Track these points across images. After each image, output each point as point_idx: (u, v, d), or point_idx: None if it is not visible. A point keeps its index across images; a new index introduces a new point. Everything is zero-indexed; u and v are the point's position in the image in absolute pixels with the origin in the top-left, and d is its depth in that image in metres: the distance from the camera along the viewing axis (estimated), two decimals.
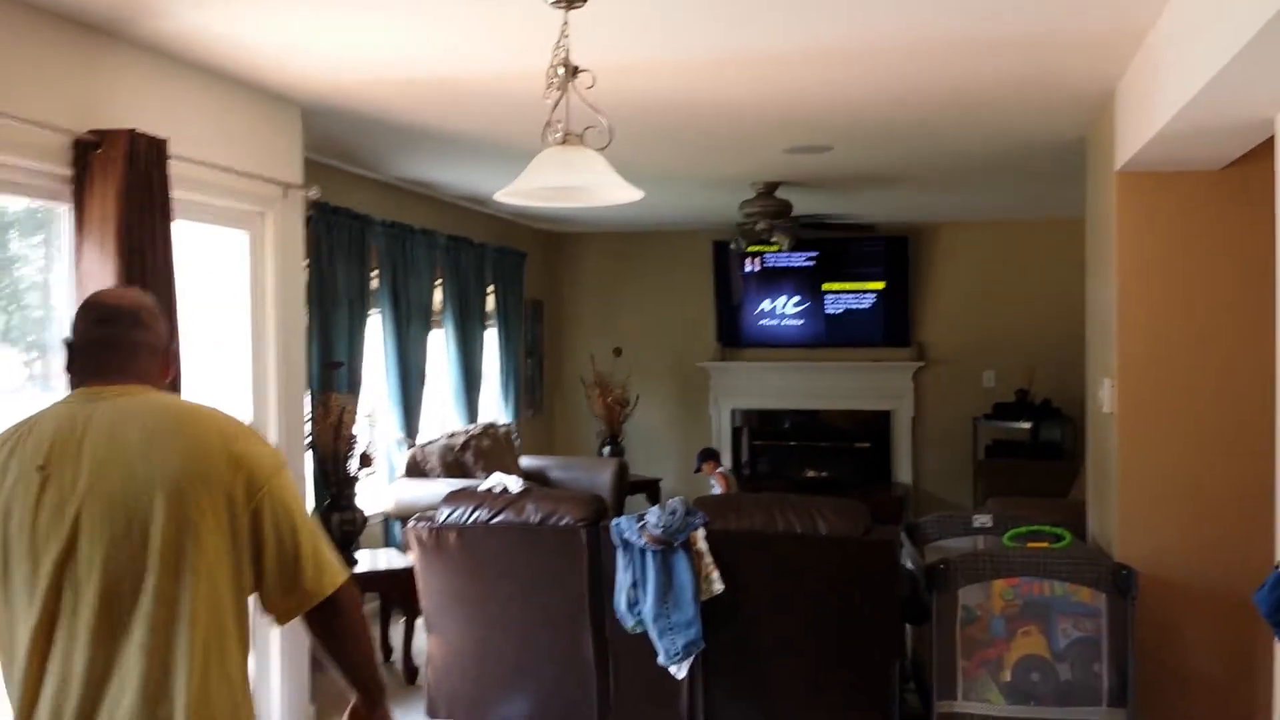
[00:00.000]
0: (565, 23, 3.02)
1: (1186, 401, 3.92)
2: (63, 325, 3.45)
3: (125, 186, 3.29)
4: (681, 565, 3.80)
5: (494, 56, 3.69)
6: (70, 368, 1.83)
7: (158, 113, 3.62)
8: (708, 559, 3.82)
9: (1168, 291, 3.95)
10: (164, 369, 1.88)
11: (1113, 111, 4.03)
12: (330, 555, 1.81)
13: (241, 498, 1.70)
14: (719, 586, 3.81)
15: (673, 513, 3.83)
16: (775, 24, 3.31)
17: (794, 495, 3.99)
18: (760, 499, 3.99)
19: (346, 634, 1.85)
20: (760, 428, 9.19)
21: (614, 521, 3.94)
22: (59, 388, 3.43)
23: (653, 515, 3.86)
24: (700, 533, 3.84)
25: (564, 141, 3.03)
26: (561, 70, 3.01)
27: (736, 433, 9.13)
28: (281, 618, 1.79)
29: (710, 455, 7.60)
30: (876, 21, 3.27)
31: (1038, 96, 4.19)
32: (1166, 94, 3.05)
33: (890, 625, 3.81)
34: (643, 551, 3.83)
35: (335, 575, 1.80)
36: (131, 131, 3.33)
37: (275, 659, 4.18)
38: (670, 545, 3.81)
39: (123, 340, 1.81)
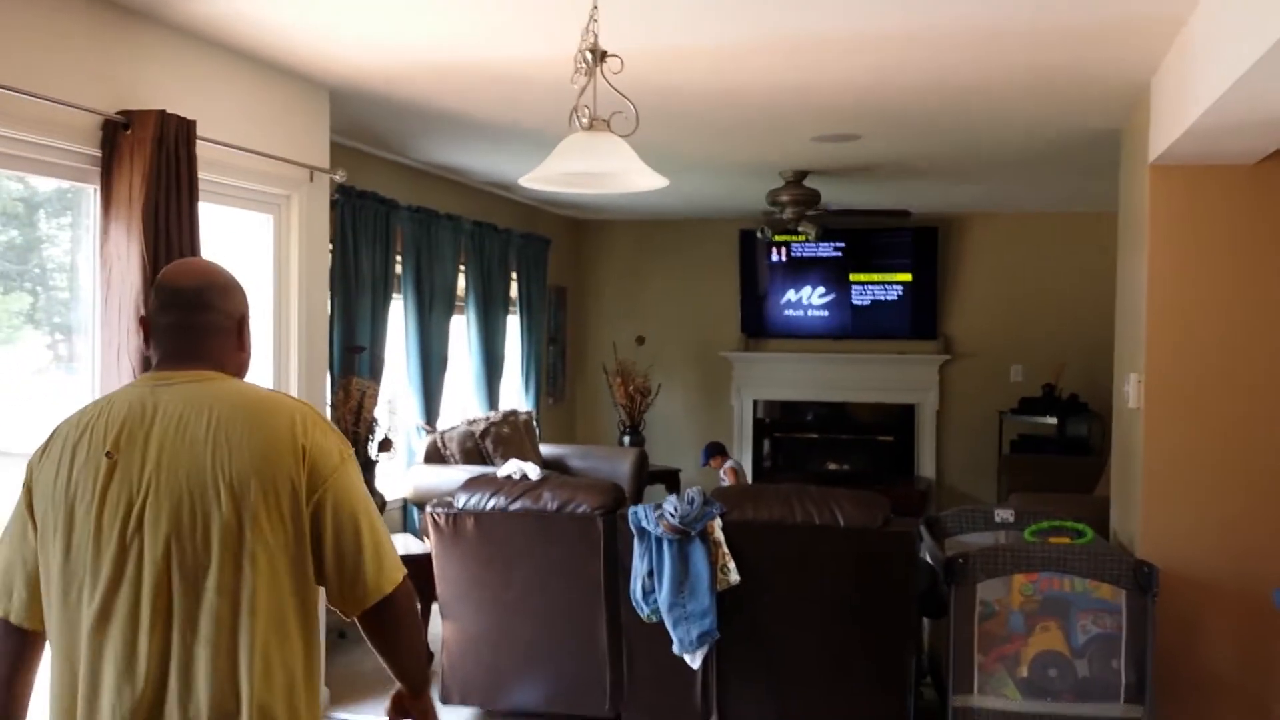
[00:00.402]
0: (594, 7, 3.00)
1: (1214, 398, 3.88)
2: (88, 306, 3.48)
3: (153, 168, 3.30)
4: (698, 555, 3.79)
5: (521, 41, 3.68)
6: (147, 347, 1.84)
7: (186, 95, 3.64)
8: (724, 549, 3.81)
9: (1198, 287, 3.91)
10: (237, 345, 1.85)
11: (1147, 104, 3.98)
12: (390, 552, 1.78)
13: (305, 491, 1.68)
14: (735, 577, 3.80)
15: (690, 502, 3.83)
16: (803, 10, 3.29)
17: (813, 486, 3.97)
18: (779, 489, 3.98)
19: (400, 632, 1.81)
20: (783, 419, 9.16)
21: (631, 510, 3.94)
22: (84, 370, 3.48)
23: (670, 504, 3.86)
24: (717, 523, 3.83)
25: (590, 127, 3.02)
26: (589, 55, 3.00)
27: (759, 424, 9.10)
28: (346, 611, 1.77)
29: (718, 449, 7.57)
30: (907, 8, 3.23)
31: (1072, 88, 4.14)
32: (1201, 87, 3.01)
33: (907, 618, 3.80)
34: (659, 540, 3.83)
35: (394, 573, 1.77)
36: (161, 112, 3.34)
37: None
38: (687, 535, 3.80)
39: (191, 324, 1.79)
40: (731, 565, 3.82)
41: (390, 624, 1.79)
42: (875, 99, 4.44)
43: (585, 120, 3.01)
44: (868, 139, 5.29)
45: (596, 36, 2.99)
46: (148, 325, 1.83)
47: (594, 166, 3.01)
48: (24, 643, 1.79)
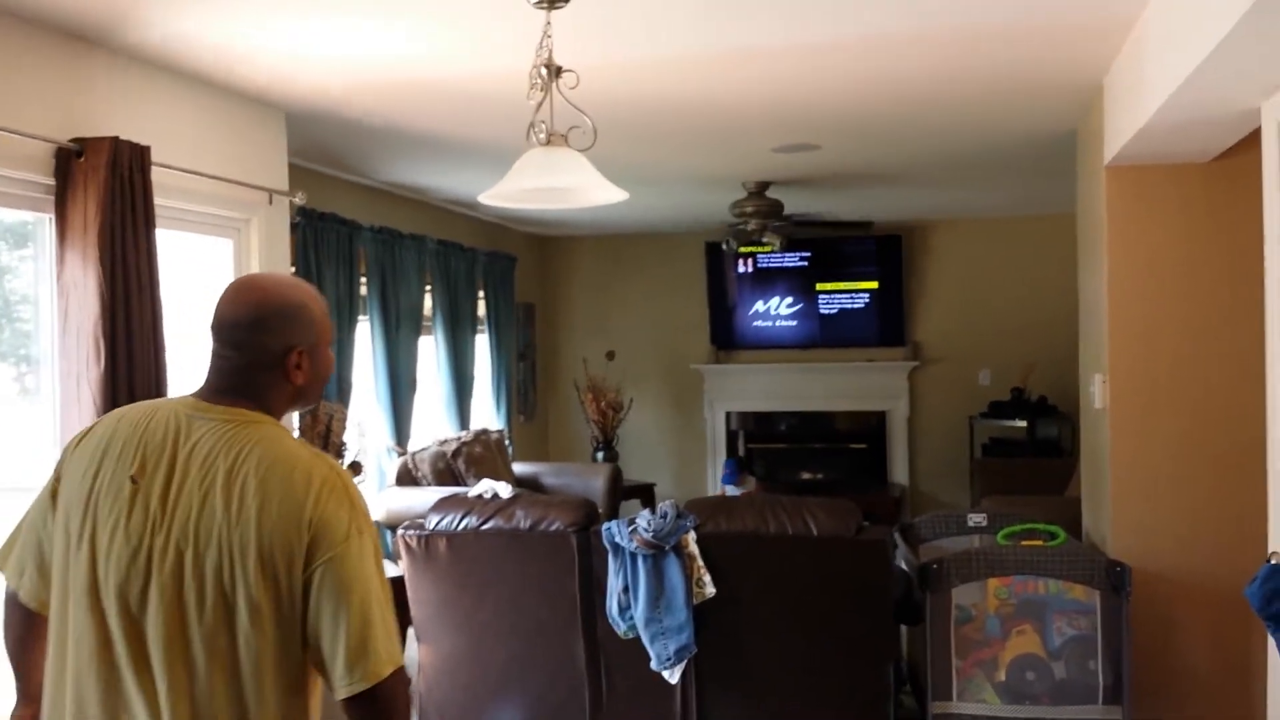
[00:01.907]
0: (548, 23, 3.01)
1: (1178, 396, 3.91)
2: (49, 338, 3.42)
3: (107, 195, 3.27)
4: (673, 569, 3.77)
5: (477, 58, 3.67)
6: None
7: (141, 120, 3.61)
8: (699, 562, 3.79)
9: (1158, 285, 3.94)
10: (284, 377, 1.76)
11: (1101, 104, 4.01)
12: (381, 645, 1.64)
13: (300, 562, 1.61)
14: (711, 590, 3.78)
15: (663, 516, 3.80)
16: (758, 21, 3.30)
17: (785, 496, 3.96)
18: (752, 500, 3.96)
19: None
20: (755, 430, 9.16)
21: (605, 526, 3.91)
22: (45, 400, 3.43)
23: (643, 519, 3.83)
24: (691, 535, 3.81)
25: (548, 142, 3.01)
26: (544, 70, 3.00)
27: (731, 435, 9.09)
28: (335, 694, 1.66)
29: (743, 465, 7.55)
30: (859, 17, 3.25)
31: (1026, 90, 4.17)
32: (1153, 85, 3.03)
33: (884, 626, 3.78)
34: (634, 555, 3.80)
35: (379, 665, 1.63)
36: (114, 139, 3.31)
37: None
38: (661, 549, 3.77)
39: (231, 361, 1.74)
40: (707, 578, 3.80)
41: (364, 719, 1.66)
42: (832, 109, 4.46)
43: (543, 136, 3.00)
44: (827, 149, 5.31)
45: (551, 52, 2.99)
46: None
47: (553, 182, 3.01)
48: (32, 620, 1.80)
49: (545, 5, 3.00)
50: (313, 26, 3.33)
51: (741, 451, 9.07)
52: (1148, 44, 3.14)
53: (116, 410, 1.80)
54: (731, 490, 7.26)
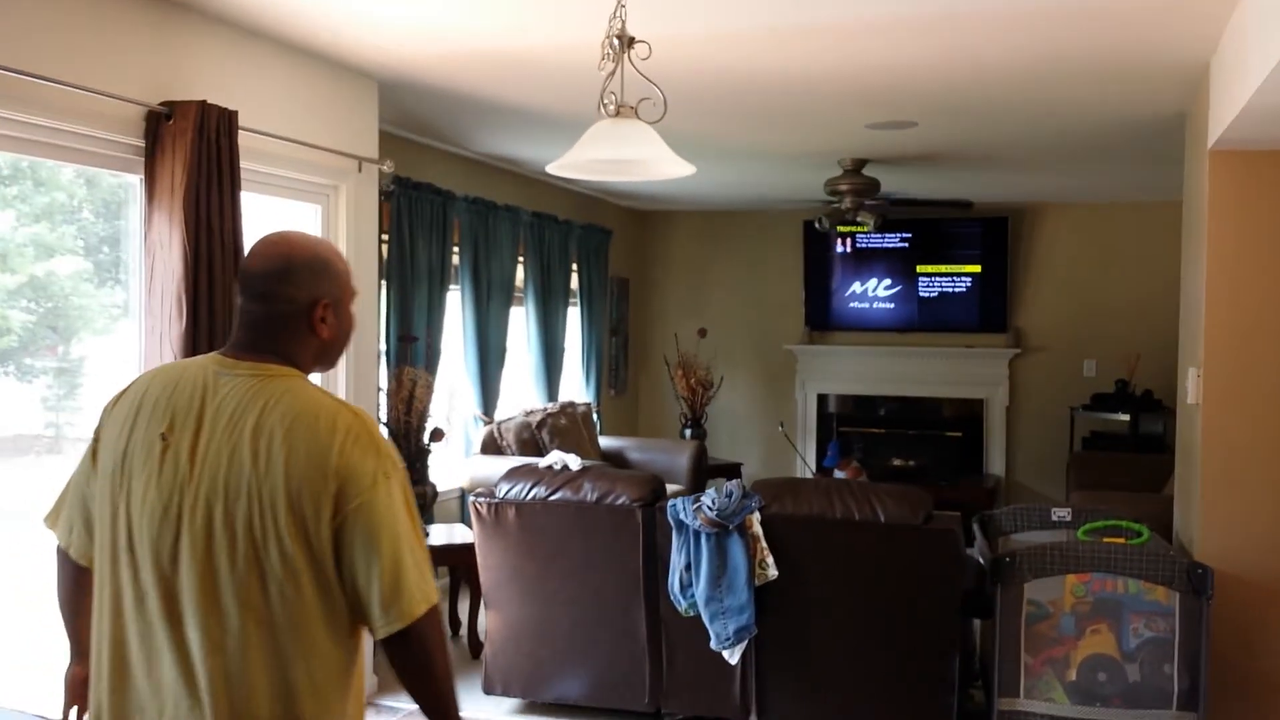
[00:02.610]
0: None
1: (1274, 394, 3.71)
2: (136, 297, 3.55)
3: (194, 157, 3.36)
4: (736, 549, 3.74)
5: (557, 28, 3.66)
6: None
7: (231, 86, 3.69)
8: (763, 543, 3.76)
9: (1260, 277, 3.74)
10: (310, 330, 1.78)
11: (1207, 86, 3.82)
12: (415, 583, 1.67)
13: (328, 510, 1.64)
14: (773, 572, 3.75)
15: (728, 495, 3.78)
16: None
17: (855, 481, 3.89)
18: (819, 484, 3.91)
19: (419, 669, 1.71)
20: (848, 413, 9.01)
21: (670, 502, 3.91)
22: (132, 357, 3.55)
23: (708, 497, 3.81)
24: (756, 516, 3.78)
25: (617, 114, 2.99)
26: (616, 41, 2.98)
27: (823, 418, 8.98)
28: (374, 635, 1.70)
29: (846, 450, 7.45)
30: None
31: (1130, 70, 3.99)
32: (1251, 66, 2.87)
33: (949, 617, 3.70)
34: (697, 534, 3.79)
35: (412, 605, 1.66)
36: (202, 103, 3.39)
37: None
38: (725, 528, 3.75)
39: (259, 312, 1.76)
40: (770, 560, 3.76)
41: (405, 658, 1.70)
42: (928, 84, 4.33)
43: (612, 108, 2.99)
44: (924, 126, 5.17)
45: (625, 22, 2.97)
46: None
47: (620, 153, 2.99)
48: (82, 577, 1.87)
49: None
50: None
51: (834, 435, 8.94)
52: (1248, 23, 2.97)
53: (150, 370, 1.85)
54: (839, 474, 7.15)
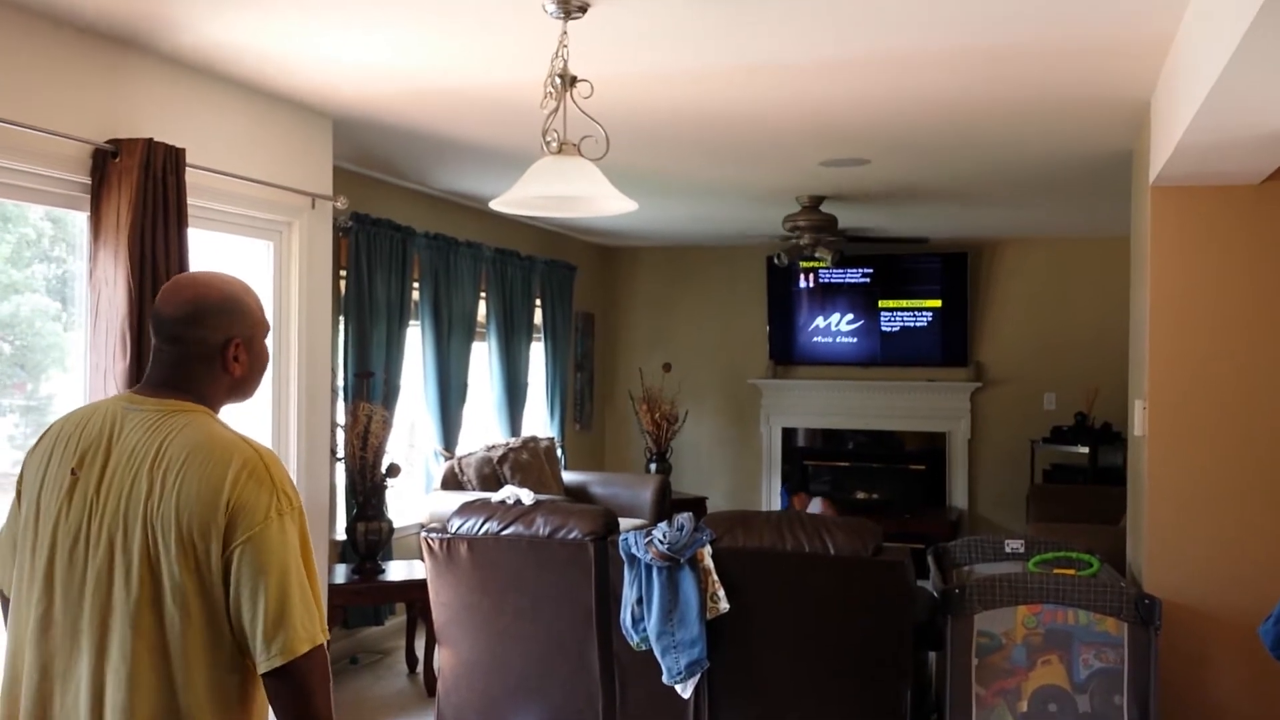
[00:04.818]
0: (564, 32, 3.03)
1: (1219, 425, 3.76)
2: (80, 333, 3.53)
3: (139, 195, 3.36)
4: (688, 582, 3.74)
5: (503, 67, 3.69)
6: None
7: (180, 123, 3.70)
8: (714, 576, 3.75)
9: (1202, 311, 3.80)
10: (223, 369, 1.81)
11: (1149, 123, 3.89)
12: (299, 620, 1.67)
13: (218, 544, 1.66)
14: (725, 605, 3.74)
15: (679, 529, 3.78)
16: (799, 34, 3.25)
17: (806, 513, 3.90)
18: (770, 516, 3.91)
19: (296, 708, 1.68)
20: (812, 447, 9.05)
21: (622, 536, 3.90)
22: (77, 396, 3.53)
23: (660, 531, 3.81)
24: (707, 550, 3.78)
25: (559, 151, 3.02)
26: (559, 80, 3.02)
27: (787, 452, 9.00)
28: (257, 669, 1.69)
29: (798, 487, 7.44)
30: (901, 31, 3.19)
31: (1077, 108, 4.06)
32: (1182, 105, 2.93)
33: (900, 648, 3.70)
34: (649, 567, 3.78)
35: (295, 642, 1.66)
36: (148, 141, 3.40)
37: None
38: (676, 562, 3.75)
39: (169, 352, 1.80)
40: (721, 593, 3.76)
41: (283, 695, 1.68)
42: (879, 123, 4.39)
43: (555, 145, 3.02)
44: (877, 164, 5.23)
45: (566, 62, 3.01)
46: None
47: (562, 190, 3.02)
48: None
49: (562, 15, 3.02)
50: (347, 34, 3.37)
51: (797, 469, 8.97)
52: (1180, 64, 3.04)
53: (65, 414, 1.88)
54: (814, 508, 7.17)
